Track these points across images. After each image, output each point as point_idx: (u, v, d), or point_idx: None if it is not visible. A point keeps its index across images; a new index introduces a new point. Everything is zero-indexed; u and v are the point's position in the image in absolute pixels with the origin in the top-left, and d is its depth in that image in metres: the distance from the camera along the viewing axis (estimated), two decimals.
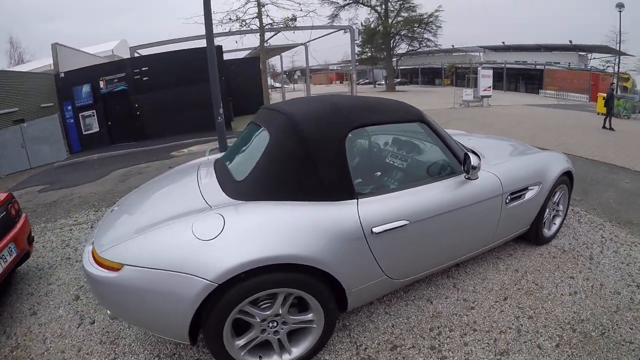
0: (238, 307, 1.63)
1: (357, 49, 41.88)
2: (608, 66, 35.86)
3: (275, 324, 1.79)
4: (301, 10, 18.56)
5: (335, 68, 56.74)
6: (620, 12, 24.30)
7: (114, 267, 1.65)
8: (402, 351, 2.06)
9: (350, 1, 26.76)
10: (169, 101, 12.48)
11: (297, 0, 16.10)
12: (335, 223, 1.80)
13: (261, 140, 2.14)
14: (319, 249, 1.70)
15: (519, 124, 11.75)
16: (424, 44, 30.67)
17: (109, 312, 1.92)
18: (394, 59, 31.33)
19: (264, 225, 1.69)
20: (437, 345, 2.10)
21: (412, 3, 28.75)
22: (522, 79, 36.20)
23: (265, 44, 15.58)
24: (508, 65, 35.58)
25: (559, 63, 33.46)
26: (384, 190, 2.09)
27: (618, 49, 28.39)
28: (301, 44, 20.96)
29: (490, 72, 19.67)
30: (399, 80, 35.71)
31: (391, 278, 2.07)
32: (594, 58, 35.00)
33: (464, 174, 2.31)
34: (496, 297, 2.56)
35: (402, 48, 31.56)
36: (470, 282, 2.71)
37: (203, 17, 4.93)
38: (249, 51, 20.29)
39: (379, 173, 2.51)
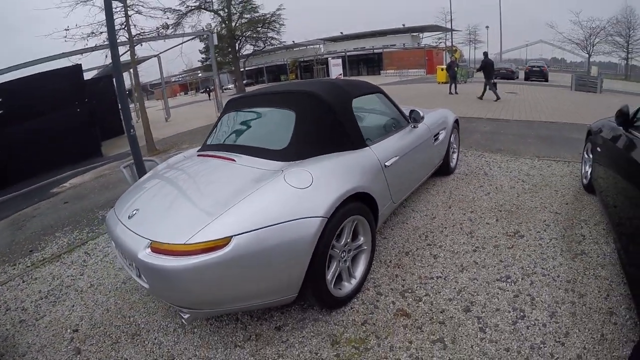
0: (332, 240, 2.07)
1: (200, 56, 40.65)
2: (440, 42, 43.78)
3: (344, 253, 2.30)
4: (168, 18, 17.34)
5: (178, 79, 54.29)
6: None
7: (219, 245, 1.67)
8: (413, 253, 2.88)
9: (193, 7, 25.96)
10: (30, 134, 10.35)
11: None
12: (367, 162, 2.49)
13: (279, 115, 2.60)
14: (367, 181, 2.36)
15: None
16: (269, 43, 31.90)
17: (186, 316, 1.87)
18: (240, 61, 31.87)
19: (334, 171, 2.19)
20: (431, 243, 3.01)
21: (254, 4, 29.60)
22: (362, 63, 41.23)
23: (122, 59, 14.22)
24: (349, 53, 39.92)
25: (394, 45, 39.38)
26: (376, 140, 2.82)
27: (451, 27, 34.94)
28: (153, 56, 19.64)
29: (340, 60, 22.14)
30: (245, 81, 36.39)
31: (393, 202, 2.86)
32: (427, 36, 42.24)
33: (412, 124, 3.32)
34: (444, 207, 3.64)
35: (248, 49, 32.25)
36: (423, 205, 3.75)
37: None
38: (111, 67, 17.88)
39: (367, 129, 3.22)
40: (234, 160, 2.37)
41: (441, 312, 2.17)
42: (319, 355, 1.95)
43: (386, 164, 2.64)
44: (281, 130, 2.42)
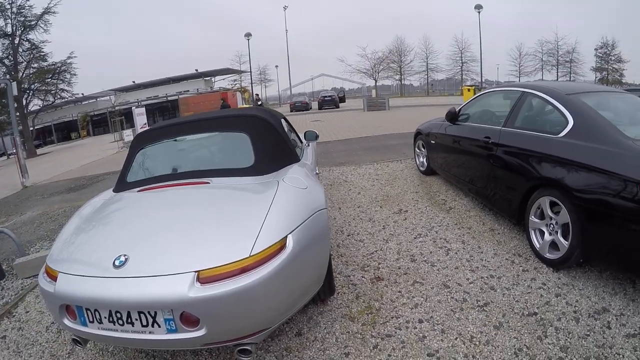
0: None
1: None
2: (236, 83, 45.88)
3: None
4: None
5: None
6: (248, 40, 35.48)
7: (282, 246, 1.74)
8: (344, 244, 3.49)
9: None
10: None
11: None
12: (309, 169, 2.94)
13: (229, 138, 2.77)
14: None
15: None
16: (59, 96, 27.22)
17: (251, 347, 1.74)
18: (30, 118, 26.03)
19: (307, 175, 2.50)
20: (350, 234, 3.71)
21: (43, 51, 24.82)
22: (158, 112, 39.50)
23: None
24: (144, 103, 37.60)
25: (188, 91, 39.35)
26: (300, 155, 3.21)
27: (250, 69, 39.90)
28: None
29: (143, 109, 20.86)
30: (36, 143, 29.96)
31: None
32: (219, 79, 43.63)
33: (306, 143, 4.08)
34: (336, 209, 4.48)
35: (36, 104, 26.61)
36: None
37: None
38: None
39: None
40: (207, 182, 2.36)
41: (399, 269, 2.91)
42: (351, 330, 2.23)
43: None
44: (236, 151, 2.62)
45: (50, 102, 27.70)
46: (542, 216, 2.75)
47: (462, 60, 51.11)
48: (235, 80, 47.49)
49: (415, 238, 3.41)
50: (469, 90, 23.36)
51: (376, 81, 45.06)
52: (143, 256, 1.76)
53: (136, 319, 1.62)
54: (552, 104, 2.95)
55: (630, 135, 2.38)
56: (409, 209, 4.18)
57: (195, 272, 1.60)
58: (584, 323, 2.08)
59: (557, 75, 47.27)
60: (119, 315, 1.63)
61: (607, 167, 2.24)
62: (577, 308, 2.21)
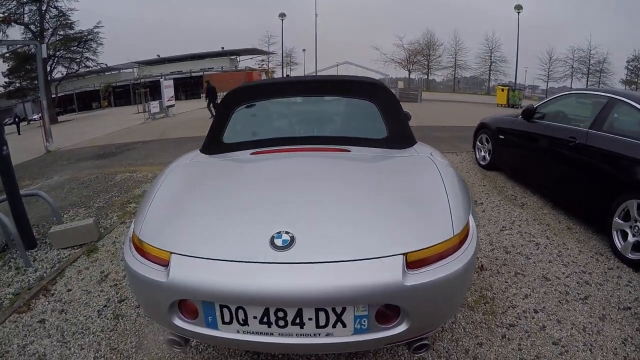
0: None
1: (3, 80, 30.94)
2: (263, 64, 45.38)
3: None
4: None
5: None
6: (282, 20, 36.14)
7: (467, 230, 1.45)
8: None
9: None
10: None
11: None
12: None
13: (356, 105, 2.37)
14: None
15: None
16: (83, 65, 26.78)
17: (426, 341, 1.45)
18: (53, 85, 25.92)
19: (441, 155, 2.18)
20: None
21: (70, 19, 24.38)
22: (181, 87, 39.27)
23: None
24: (169, 77, 37.52)
25: (212, 68, 38.89)
26: None
27: (283, 49, 37.50)
28: None
29: (172, 82, 20.55)
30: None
31: None
32: (244, 59, 43.48)
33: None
34: None
35: (59, 71, 26.39)
36: None
37: None
38: None
39: None
40: (347, 150, 2.05)
41: (496, 259, 2.82)
42: (474, 320, 2.12)
43: None
44: (365, 119, 2.31)
45: (75, 71, 27.30)
46: (626, 218, 2.81)
47: (490, 59, 49.30)
48: (263, 60, 46.53)
49: (501, 230, 3.34)
50: (502, 90, 23.02)
51: (410, 72, 43.79)
52: (314, 235, 1.35)
53: (310, 319, 1.25)
54: None
55: None
56: (483, 201, 4.02)
57: (404, 254, 1.26)
58: None
59: (587, 84, 45.34)
60: (281, 314, 1.25)
61: None
62: None
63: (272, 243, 1.29)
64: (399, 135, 2.16)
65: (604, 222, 2.98)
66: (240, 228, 1.41)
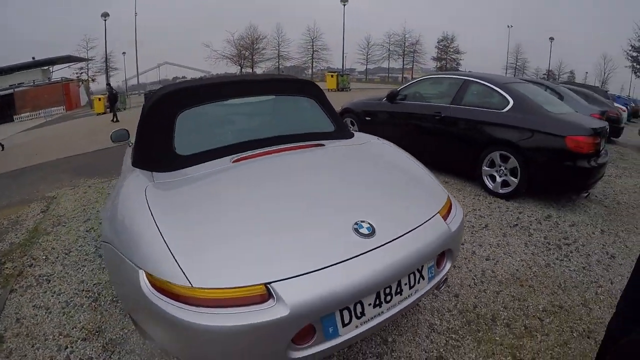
0: None
1: None
2: (81, 73, 38.99)
3: None
4: None
5: None
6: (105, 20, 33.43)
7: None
8: None
9: None
10: None
11: None
12: None
13: (292, 102, 2.48)
14: None
15: (63, 145, 10.37)
16: None
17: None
18: None
19: None
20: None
21: None
22: None
23: None
24: None
25: (22, 83, 30.69)
26: None
27: (105, 53, 36.50)
28: None
29: None
30: None
31: None
32: (58, 69, 35.49)
33: None
34: None
35: None
36: None
37: None
38: None
39: None
40: (322, 144, 2.13)
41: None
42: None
43: None
44: (310, 115, 2.42)
45: None
46: (492, 165, 3.94)
47: (313, 48, 51.67)
48: (82, 68, 40.55)
49: (508, 226, 3.58)
50: (332, 76, 26.13)
51: (242, 68, 43.31)
52: (383, 217, 1.53)
53: (405, 284, 1.47)
54: (494, 89, 4.10)
55: (549, 110, 3.86)
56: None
57: (439, 212, 1.67)
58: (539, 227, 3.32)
59: (403, 63, 53.13)
60: (388, 290, 1.41)
61: (540, 129, 3.63)
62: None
63: (358, 233, 1.39)
64: (342, 127, 2.42)
65: (475, 172, 4.06)
66: (316, 231, 1.41)
